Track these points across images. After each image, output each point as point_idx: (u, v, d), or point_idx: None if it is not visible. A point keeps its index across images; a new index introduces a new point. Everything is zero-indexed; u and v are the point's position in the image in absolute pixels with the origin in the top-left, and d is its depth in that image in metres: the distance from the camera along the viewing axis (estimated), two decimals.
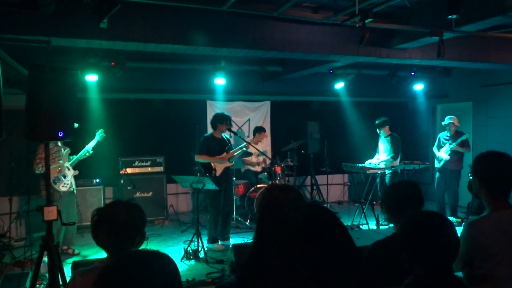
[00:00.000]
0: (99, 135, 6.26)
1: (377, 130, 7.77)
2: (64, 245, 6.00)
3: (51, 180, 5.71)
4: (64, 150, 6.04)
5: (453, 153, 7.55)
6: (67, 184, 5.92)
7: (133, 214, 2.08)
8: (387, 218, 2.51)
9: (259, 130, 8.02)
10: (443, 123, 7.78)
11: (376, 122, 7.75)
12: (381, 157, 7.64)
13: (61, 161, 5.93)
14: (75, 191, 6.14)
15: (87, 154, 6.17)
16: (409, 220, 1.83)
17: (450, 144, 7.54)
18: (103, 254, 2.20)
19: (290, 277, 1.02)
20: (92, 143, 6.19)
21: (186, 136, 8.09)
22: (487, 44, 6.29)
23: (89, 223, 2.19)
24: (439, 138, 7.88)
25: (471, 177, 2.37)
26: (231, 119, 6.72)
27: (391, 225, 2.54)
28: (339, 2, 4.77)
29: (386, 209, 2.45)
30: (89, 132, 6.47)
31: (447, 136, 7.70)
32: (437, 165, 7.82)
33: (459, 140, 7.45)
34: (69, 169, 6.02)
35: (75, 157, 6.12)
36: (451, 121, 7.57)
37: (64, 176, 5.91)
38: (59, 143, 5.93)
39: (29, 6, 3.48)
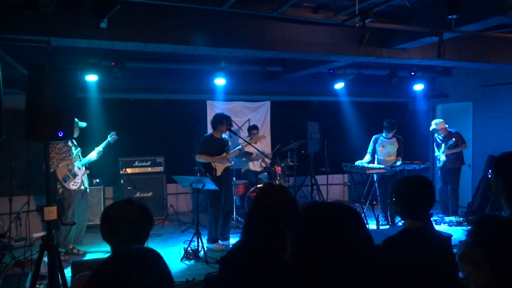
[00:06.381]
0: (110, 136, 6.33)
1: (388, 131, 7.39)
2: (71, 243, 6.02)
3: (61, 178, 5.79)
4: (75, 149, 6.11)
5: (449, 153, 7.62)
6: (77, 182, 5.99)
7: (148, 213, 2.19)
8: (398, 212, 2.43)
9: (252, 128, 8.18)
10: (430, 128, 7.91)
11: (387, 124, 7.37)
12: (388, 159, 7.42)
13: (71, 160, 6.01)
14: (88, 190, 6.25)
15: (99, 153, 6.29)
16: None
17: (444, 145, 7.65)
18: (101, 254, 2.20)
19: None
20: (103, 144, 6.30)
21: (186, 136, 8.09)
22: (487, 44, 6.29)
23: (91, 223, 2.19)
24: (436, 139, 8.00)
25: (490, 176, 2.22)
26: (231, 120, 6.73)
27: (403, 221, 2.46)
28: (339, 2, 4.76)
29: (398, 202, 2.37)
30: (90, 131, 6.52)
31: (441, 137, 7.81)
32: (438, 164, 7.92)
33: (449, 144, 7.54)
34: (79, 168, 6.07)
35: (84, 159, 6.18)
36: (434, 127, 7.71)
37: (74, 175, 5.97)
38: (69, 143, 5.99)
39: (29, 6, 3.47)
